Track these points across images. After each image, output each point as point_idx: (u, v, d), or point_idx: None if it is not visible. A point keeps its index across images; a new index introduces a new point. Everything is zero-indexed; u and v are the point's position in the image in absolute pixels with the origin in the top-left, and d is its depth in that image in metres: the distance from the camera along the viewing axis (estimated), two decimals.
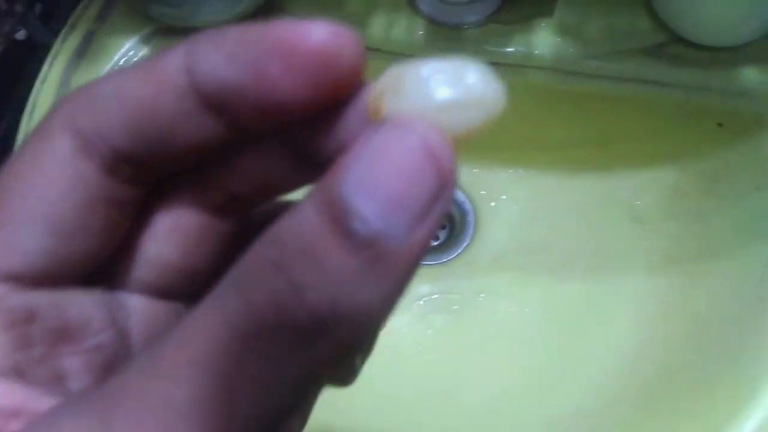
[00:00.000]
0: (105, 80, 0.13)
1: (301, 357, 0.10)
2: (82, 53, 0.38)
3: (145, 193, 0.14)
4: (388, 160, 0.10)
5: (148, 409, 0.10)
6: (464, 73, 0.11)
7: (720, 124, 0.37)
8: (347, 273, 0.10)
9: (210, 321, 0.11)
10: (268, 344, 0.10)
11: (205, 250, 0.14)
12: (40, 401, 0.12)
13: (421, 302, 0.39)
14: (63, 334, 0.13)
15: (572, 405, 0.35)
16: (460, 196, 0.41)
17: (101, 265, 0.14)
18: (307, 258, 0.10)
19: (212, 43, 0.12)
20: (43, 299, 0.13)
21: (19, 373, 0.12)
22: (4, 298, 0.12)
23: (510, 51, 0.37)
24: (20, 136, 0.37)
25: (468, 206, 0.41)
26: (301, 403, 0.11)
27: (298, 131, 0.13)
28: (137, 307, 0.14)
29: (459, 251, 0.40)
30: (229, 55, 0.12)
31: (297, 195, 0.13)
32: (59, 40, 0.39)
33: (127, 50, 0.39)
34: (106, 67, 0.38)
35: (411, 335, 0.38)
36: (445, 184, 0.10)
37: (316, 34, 0.11)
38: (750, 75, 0.35)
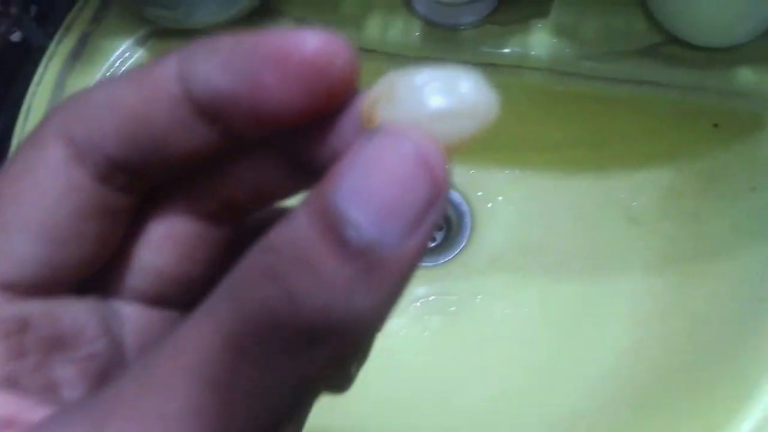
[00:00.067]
0: (98, 88, 0.13)
1: (296, 365, 0.10)
2: (77, 55, 0.38)
3: (139, 200, 0.14)
4: (381, 168, 0.10)
5: (143, 419, 0.10)
6: (457, 82, 0.11)
7: (716, 125, 0.37)
8: (341, 281, 0.10)
9: (204, 329, 0.11)
10: (263, 352, 0.10)
11: (200, 257, 0.14)
12: (34, 411, 0.12)
13: (418, 304, 0.39)
14: (57, 343, 0.13)
15: (570, 405, 0.35)
16: (456, 197, 0.41)
17: (95, 273, 0.13)
18: (301, 266, 0.10)
19: (206, 52, 0.12)
20: (36, 308, 0.13)
21: (12, 383, 0.12)
22: None
23: (506, 52, 0.37)
24: (15, 138, 0.37)
25: (465, 207, 0.41)
26: (297, 410, 0.11)
27: (293, 139, 0.13)
28: (131, 315, 0.14)
29: (456, 253, 0.40)
30: (223, 64, 0.12)
31: (293, 201, 0.13)
32: (54, 42, 0.39)
33: (122, 52, 0.39)
34: (102, 69, 0.38)
35: (408, 337, 0.38)
36: (438, 192, 0.10)
37: (310, 43, 0.11)
38: (746, 75, 0.35)
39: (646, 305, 0.37)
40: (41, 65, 0.38)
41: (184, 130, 0.12)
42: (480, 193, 0.41)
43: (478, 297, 0.39)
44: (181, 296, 0.15)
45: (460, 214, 0.41)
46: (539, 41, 0.37)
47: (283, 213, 0.15)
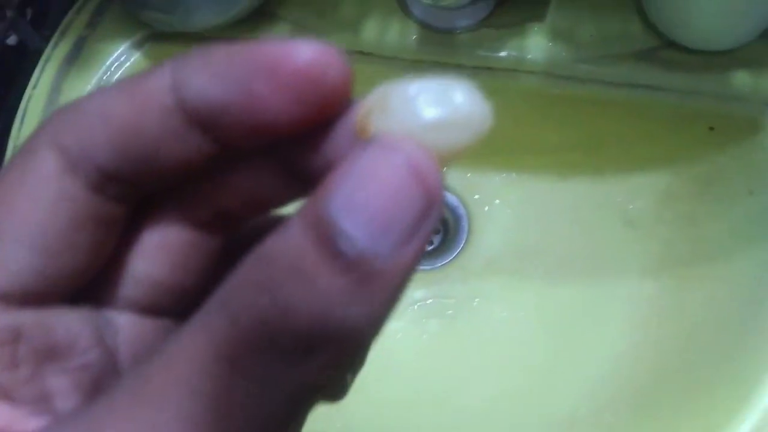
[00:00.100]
0: (91, 98, 0.13)
1: (289, 376, 0.10)
2: (73, 59, 0.38)
3: (132, 210, 0.13)
4: (374, 180, 0.10)
5: (136, 430, 0.10)
6: (451, 93, 0.11)
7: (712, 128, 0.37)
8: (335, 293, 0.10)
9: (197, 340, 0.11)
10: (255, 364, 0.10)
11: (194, 266, 0.14)
12: (27, 421, 0.12)
13: (416, 307, 0.39)
14: (50, 353, 0.13)
15: (568, 408, 0.35)
16: (453, 200, 0.41)
17: (88, 282, 0.13)
18: (294, 277, 0.10)
19: (199, 62, 0.12)
20: (29, 318, 0.12)
21: (5, 394, 0.12)
22: None
23: (502, 55, 0.37)
24: (11, 141, 0.37)
25: (462, 211, 0.41)
26: (292, 420, 0.11)
27: (287, 148, 0.13)
28: (125, 325, 0.14)
29: (453, 256, 0.40)
30: (216, 74, 0.12)
31: (288, 209, 0.13)
32: (50, 45, 0.39)
33: (118, 56, 0.39)
34: (98, 72, 0.38)
35: (406, 340, 0.38)
36: (432, 203, 0.10)
37: (303, 53, 0.11)
38: (742, 79, 0.36)
39: (644, 308, 0.37)
40: (37, 69, 0.38)
41: (177, 140, 0.12)
42: (477, 197, 0.41)
43: (476, 300, 0.39)
44: (175, 305, 0.15)
45: (457, 218, 0.41)
46: (535, 45, 0.37)
47: (279, 221, 0.15)
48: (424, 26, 0.38)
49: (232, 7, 0.36)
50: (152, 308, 0.14)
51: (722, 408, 0.31)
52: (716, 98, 0.36)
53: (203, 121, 0.12)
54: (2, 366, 0.12)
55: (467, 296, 0.39)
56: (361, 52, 0.38)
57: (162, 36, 0.39)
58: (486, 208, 0.41)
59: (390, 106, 0.11)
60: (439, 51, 0.37)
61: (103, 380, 0.13)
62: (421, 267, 0.40)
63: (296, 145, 0.13)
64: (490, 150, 0.40)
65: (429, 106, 0.11)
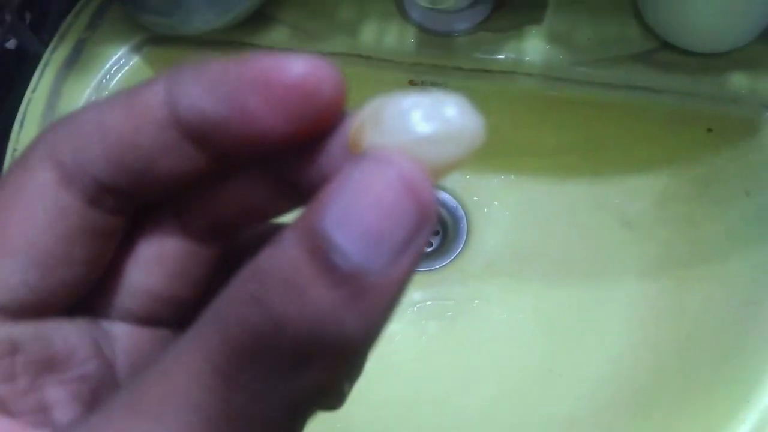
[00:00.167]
0: (86, 111, 0.13)
1: (284, 390, 0.10)
2: (72, 62, 0.38)
3: (128, 221, 0.13)
4: (368, 194, 0.10)
5: None
6: (444, 107, 0.11)
7: (710, 130, 0.37)
8: (329, 306, 0.10)
9: (191, 354, 0.11)
10: (250, 377, 0.10)
11: (191, 276, 0.14)
12: None
13: (415, 309, 0.39)
14: (47, 365, 0.13)
15: (566, 410, 0.35)
16: (452, 202, 0.41)
17: (86, 294, 0.13)
18: (288, 291, 0.10)
19: (193, 76, 0.12)
20: (26, 331, 0.12)
21: (3, 406, 0.12)
22: None
23: (500, 58, 0.37)
24: (10, 145, 0.37)
25: (461, 212, 0.41)
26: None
27: (281, 161, 0.13)
28: (123, 336, 0.14)
29: (452, 258, 0.40)
30: (210, 88, 0.12)
31: (288, 217, 0.13)
32: (50, 49, 0.38)
33: (118, 59, 0.38)
34: (97, 76, 0.38)
35: (405, 342, 0.38)
36: (424, 217, 0.10)
37: (296, 68, 0.11)
38: (739, 80, 0.36)
39: (642, 309, 0.37)
40: (36, 72, 0.38)
41: (172, 153, 0.12)
42: (476, 199, 0.41)
43: (475, 302, 0.39)
44: (173, 315, 0.15)
45: (456, 219, 0.41)
46: (533, 47, 0.37)
47: (277, 229, 0.15)
48: (422, 29, 0.38)
49: (231, 11, 0.36)
50: (150, 318, 0.14)
51: (721, 409, 0.31)
52: (714, 100, 0.36)
53: (197, 134, 0.12)
54: (0, 378, 0.12)
55: (466, 298, 0.39)
56: (360, 55, 0.38)
57: (161, 39, 0.39)
58: (485, 210, 0.41)
59: (383, 120, 0.11)
60: (437, 54, 0.38)
61: (101, 391, 0.13)
62: (421, 269, 0.40)
63: (290, 157, 0.13)
64: (488, 152, 0.40)
65: (422, 121, 0.11)
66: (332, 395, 0.13)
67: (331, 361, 0.10)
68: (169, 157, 0.12)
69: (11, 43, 0.41)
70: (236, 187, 0.14)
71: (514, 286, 0.39)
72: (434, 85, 0.39)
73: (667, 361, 0.35)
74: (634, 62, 0.36)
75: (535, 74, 0.37)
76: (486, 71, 0.37)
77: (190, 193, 0.14)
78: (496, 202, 0.40)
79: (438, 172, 0.11)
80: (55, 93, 0.38)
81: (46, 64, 0.38)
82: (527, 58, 0.37)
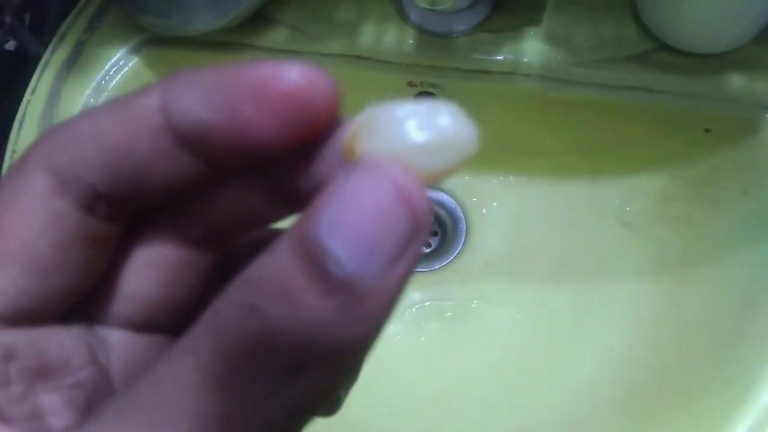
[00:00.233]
0: (81, 118, 0.13)
1: (279, 398, 0.10)
2: (72, 64, 0.38)
3: (123, 228, 0.13)
4: (361, 201, 0.10)
5: None
6: (437, 116, 0.11)
7: (708, 130, 0.37)
8: (322, 314, 0.10)
9: (185, 363, 0.10)
10: (244, 386, 0.10)
11: (186, 282, 0.14)
12: None
13: (414, 309, 0.39)
14: (42, 372, 0.12)
15: (565, 410, 0.35)
16: (451, 203, 0.41)
17: (81, 300, 0.13)
18: (281, 299, 0.10)
19: (187, 84, 0.12)
20: (21, 337, 0.12)
21: None
22: None
23: (499, 59, 0.37)
24: (9, 146, 0.37)
25: (460, 213, 0.41)
26: None
27: (276, 168, 0.13)
28: (118, 342, 0.14)
29: (451, 258, 0.40)
30: (204, 96, 0.12)
31: (285, 223, 0.13)
32: (49, 50, 0.38)
33: (117, 60, 0.38)
34: (97, 77, 0.38)
35: (404, 343, 0.38)
36: (418, 224, 0.10)
37: (290, 76, 0.11)
38: (736, 81, 0.36)
39: (640, 309, 0.37)
40: (36, 74, 0.38)
41: (167, 160, 0.12)
42: (475, 199, 0.41)
43: (474, 302, 0.39)
44: (169, 321, 0.14)
45: (455, 220, 0.41)
46: (531, 49, 0.37)
47: (275, 234, 0.15)
48: (421, 30, 0.38)
49: (230, 12, 0.36)
50: (145, 325, 0.14)
51: (719, 408, 0.31)
52: (711, 101, 0.36)
53: (191, 141, 0.12)
54: None
55: (465, 298, 0.39)
56: (358, 57, 0.38)
57: (160, 40, 0.39)
58: (484, 211, 0.41)
59: (377, 128, 0.11)
60: (435, 55, 0.37)
61: (96, 398, 0.13)
62: (420, 269, 0.40)
63: (285, 164, 0.13)
64: (487, 153, 0.40)
65: (415, 129, 0.11)
66: (328, 402, 0.13)
67: (327, 369, 0.10)
68: (163, 165, 0.12)
69: (10, 45, 0.41)
70: (231, 193, 0.14)
71: (513, 286, 0.39)
72: (433, 86, 0.39)
73: (665, 361, 0.35)
74: (632, 63, 0.36)
75: (534, 75, 0.37)
76: (484, 72, 0.37)
77: (186, 200, 0.14)
78: (495, 203, 0.40)
79: (432, 180, 0.11)
80: (54, 94, 0.38)
81: (45, 66, 0.38)
82: (525, 59, 0.37)
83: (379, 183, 0.10)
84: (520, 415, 0.35)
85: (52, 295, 0.13)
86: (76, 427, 0.12)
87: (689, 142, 0.37)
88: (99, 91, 0.38)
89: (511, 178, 0.40)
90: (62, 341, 0.13)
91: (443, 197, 0.41)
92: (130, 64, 0.38)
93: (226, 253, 0.15)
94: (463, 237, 0.40)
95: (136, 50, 0.39)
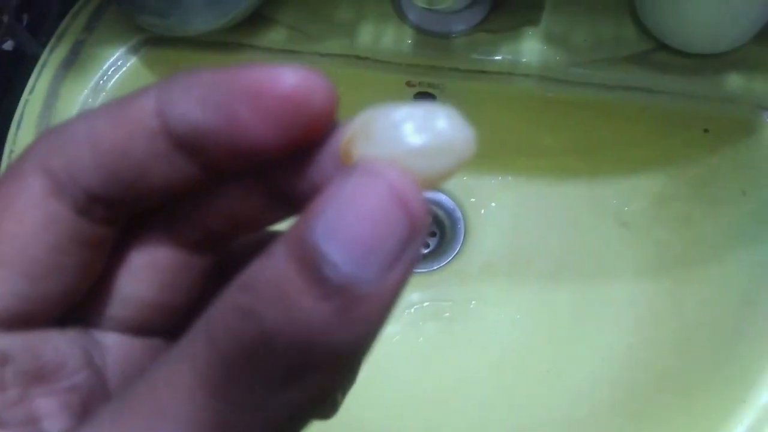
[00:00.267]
0: (77, 121, 0.12)
1: (275, 403, 0.10)
2: (70, 63, 0.38)
3: (119, 231, 0.13)
4: (358, 206, 0.10)
5: None
6: (434, 119, 0.11)
7: (706, 130, 0.37)
8: (319, 319, 0.10)
9: (180, 369, 0.10)
10: (240, 392, 0.10)
11: (183, 285, 0.14)
12: None
13: (413, 310, 0.39)
14: (38, 376, 0.12)
15: (563, 410, 0.35)
16: (450, 203, 0.41)
17: (76, 303, 0.13)
18: (277, 304, 0.10)
19: (183, 87, 0.12)
20: (16, 341, 0.12)
21: None
22: None
23: (497, 59, 0.37)
24: (7, 146, 0.37)
25: (458, 214, 0.41)
26: None
27: (273, 171, 0.13)
28: (114, 345, 0.14)
29: (450, 259, 0.40)
30: (200, 99, 0.12)
31: (284, 225, 0.13)
32: (47, 50, 0.38)
33: (115, 60, 0.38)
34: (95, 77, 0.38)
35: (402, 343, 0.38)
36: (415, 228, 0.10)
37: (287, 79, 0.11)
38: (735, 81, 0.36)
39: (639, 309, 0.37)
40: (34, 74, 0.38)
41: (163, 163, 0.12)
42: (473, 200, 0.41)
43: (472, 303, 0.39)
44: (165, 324, 0.14)
45: (453, 221, 0.41)
46: (530, 49, 0.37)
47: (273, 237, 0.15)
48: (420, 30, 0.37)
49: (229, 12, 0.36)
50: (142, 328, 0.14)
51: (718, 408, 0.31)
52: (710, 101, 0.36)
53: (188, 144, 0.12)
54: None
55: (464, 299, 0.39)
56: (357, 57, 0.38)
57: (159, 40, 0.39)
58: (482, 211, 0.41)
59: (373, 132, 0.11)
60: (434, 55, 0.37)
61: (92, 401, 0.13)
62: (418, 270, 0.40)
63: (282, 168, 0.13)
64: (486, 153, 0.40)
65: (412, 132, 0.11)
66: (325, 405, 0.13)
67: (323, 374, 0.10)
68: (159, 168, 0.12)
69: (8, 45, 0.41)
70: (228, 196, 0.13)
71: (512, 287, 0.39)
72: (431, 86, 0.39)
73: (664, 361, 0.35)
74: (630, 63, 0.36)
75: (532, 75, 0.37)
76: (483, 72, 0.37)
77: (183, 203, 0.14)
78: (493, 204, 0.40)
79: (429, 184, 0.11)
80: (52, 94, 0.37)
81: (43, 66, 0.38)
82: (524, 60, 0.37)
83: (375, 186, 0.10)
84: (519, 416, 0.35)
85: (47, 299, 0.12)
86: (71, 431, 0.12)
87: (688, 143, 0.37)
88: (97, 92, 0.38)
89: (509, 178, 0.40)
90: (58, 345, 0.13)
91: (442, 198, 0.41)
92: (129, 64, 0.38)
93: (225, 256, 0.15)
94: (462, 237, 0.40)
95: (134, 50, 0.39)
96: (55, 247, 0.12)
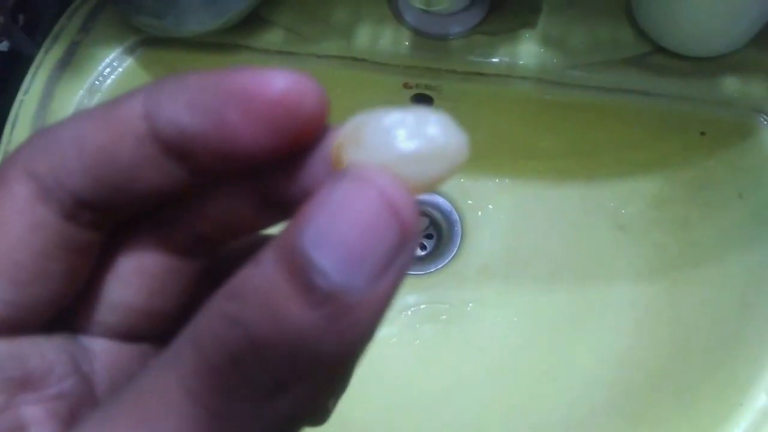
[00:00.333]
0: (64, 125, 0.12)
1: (264, 413, 0.10)
2: (65, 64, 0.38)
3: (107, 236, 0.13)
4: (348, 212, 0.10)
5: None
6: (426, 124, 0.11)
7: (703, 133, 0.37)
8: (308, 327, 0.09)
9: (166, 379, 0.10)
10: (228, 402, 0.10)
11: (172, 291, 0.14)
12: None
13: (409, 312, 0.39)
14: (24, 383, 0.12)
15: (560, 413, 0.35)
16: (447, 205, 0.41)
17: (64, 309, 0.13)
18: (266, 312, 0.10)
19: (171, 90, 0.12)
20: (2, 348, 0.12)
21: None
22: None
23: (494, 61, 0.37)
24: (2, 147, 0.37)
25: (455, 216, 0.40)
26: None
27: (263, 175, 0.13)
28: (102, 351, 0.14)
29: (446, 261, 0.40)
30: (188, 102, 0.11)
31: (275, 229, 0.12)
32: (42, 51, 0.38)
33: (111, 61, 0.38)
34: (90, 78, 0.38)
35: (399, 345, 0.38)
36: (406, 236, 0.10)
37: (277, 83, 0.11)
38: (731, 84, 0.36)
39: (636, 312, 0.37)
40: (29, 74, 0.37)
41: (151, 168, 0.12)
42: (470, 202, 0.41)
43: (469, 305, 0.39)
44: (155, 329, 0.14)
45: (450, 223, 0.41)
46: (527, 51, 0.37)
47: (265, 241, 0.15)
48: (417, 32, 0.37)
49: (225, 13, 0.36)
50: (130, 334, 0.14)
51: (716, 411, 0.30)
52: (706, 104, 0.36)
53: (176, 149, 0.12)
54: None
55: (461, 301, 0.39)
56: (354, 58, 0.38)
57: (155, 41, 0.38)
58: (479, 214, 0.40)
59: (364, 137, 0.11)
60: (431, 57, 0.37)
61: (80, 408, 0.13)
62: (415, 272, 0.40)
63: (272, 172, 0.12)
64: (483, 155, 0.40)
65: (403, 138, 0.11)
66: (315, 413, 0.13)
67: (312, 383, 0.10)
68: (147, 172, 0.12)
69: (4, 45, 0.41)
70: (218, 201, 0.13)
71: (509, 289, 0.38)
72: (429, 88, 0.39)
73: (661, 363, 0.34)
74: (627, 66, 0.36)
75: (530, 77, 0.37)
76: (480, 74, 0.37)
77: (172, 207, 0.13)
78: (490, 206, 0.40)
79: (420, 190, 0.11)
80: (47, 95, 0.37)
81: (38, 66, 0.38)
82: (521, 62, 0.37)
83: (366, 193, 0.10)
84: (516, 418, 0.35)
85: (33, 305, 0.12)
86: None
87: (684, 145, 0.37)
88: (92, 92, 0.38)
89: (506, 180, 0.40)
90: (44, 351, 0.13)
91: (439, 200, 0.41)
92: (124, 65, 0.38)
93: (216, 260, 0.14)
94: (459, 240, 0.40)
95: (130, 51, 0.38)
96: (41, 252, 0.12)
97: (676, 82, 0.36)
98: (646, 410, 0.33)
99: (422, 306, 0.38)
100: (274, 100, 0.11)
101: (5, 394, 0.12)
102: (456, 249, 0.39)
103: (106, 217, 0.13)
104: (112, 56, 0.38)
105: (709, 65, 0.36)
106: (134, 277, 0.13)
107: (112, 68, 0.38)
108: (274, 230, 0.12)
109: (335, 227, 0.10)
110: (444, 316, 0.38)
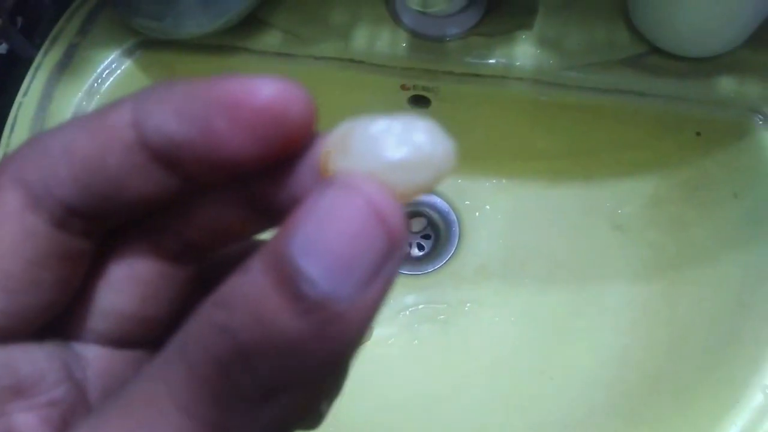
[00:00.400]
0: (53, 134, 0.12)
1: (254, 421, 0.10)
2: (64, 66, 0.38)
3: (98, 243, 0.13)
4: (335, 220, 0.10)
5: None
6: (413, 132, 0.11)
7: (698, 133, 0.37)
8: (296, 336, 0.09)
9: (154, 388, 0.10)
10: (217, 412, 0.10)
11: (163, 297, 0.14)
12: None
13: (407, 312, 0.39)
14: (16, 390, 0.12)
15: (557, 412, 0.35)
16: (444, 206, 0.41)
17: (56, 317, 0.13)
18: (254, 321, 0.10)
19: (159, 98, 0.12)
20: None
21: None
22: None
23: (491, 63, 0.37)
24: (1, 149, 0.37)
25: (452, 216, 0.41)
26: None
27: (252, 182, 0.13)
28: (94, 358, 0.13)
29: (444, 261, 0.40)
30: (176, 110, 0.11)
31: (267, 234, 0.12)
32: (41, 53, 0.38)
33: (109, 63, 0.38)
34: (89, 80, 0.38)
35: (397, 345, 0.38)
36: (393, 244, 0.10)
37: (264, 91, 0.11)
38: (727, 84, 0.36)
39: (633, 312, 0.37)
40: (28, 76, 0.37)
41: (140, 176, 0.12)
42: (467, 202, 0.41)
43: (467, 305, 0.39)
44: (147, 336, 0.14)
45: (448, 224, 0.41)
46: (524, 52, 0.37)
47: (256, 247, 0.15)
48: (414, 34, 0.37)
49: (223, 15, 0.36)
50: (123, 340, 0.14)
51: (712, 410, 0.30)
52: (702, 104, 0.36)
53: (164, 156, 0.12)
54: None
55: (459, 301, 0.39)
56: (352, 60, 0.38)
57: (153, 43, 0.38)
58: (477, 214, 0.40)
59: (351, 145, 0.11)
60: (428, 58, 0.37)
61: (73, 415, 0.13)
62: (413, 272, 0.40)
63: (260, 179, 0.12)
64: (480, 156, 0.40)
65: (391, 146, 0.11)
66: (307, 418, 0.13)
67: (302, 390, 0.10)
68: (136, 180, 0.12)
69: (2, 47, 0.41)
70: (207, 208, 0.13)
71: (506, 289, 0.38)
72: (426, 89, 0.39)
73: (658, 362, 0.34)
74: (623, 67, 0.36)
75: (526, 79, 0.37)
76: (477, 76, 0.37)
77: (162, 214, 0.13)
78: (487, 206, 0.40)
79: (407, 197, 0.11)
80: (46, 97, 0.37)
81: (37, 69, 0.37)
82: (518, 63, 0.37)
83: (353, 201, 0.10)
84: (514, 418, 0.35)
85: (25, 313, 0.12)
86: None
87: (680, 145, 0.37)
88: (91, 94, 0.38)
89: (503, 181, 0.40)
90: (36, 359, 0.12)
91: (436, 200, 0.41)
92: (123, 67, 0.38)
93: (208, 266, 0.14)
94: (456, 240, 0.40)
95: (128, 53, 0.38)
96: (32, 261, 0.12)
97: (672, 83, 0.36)
98: (644, 409, 0.33)
99: (420, 306, 0.38)
100: (260, 107, 0.11)
101: None
102: (454, 249, 0.40)
103: (96, 225, 0.13)
104: (110, 58, 0.38)
105: (705, 66, 0.36)
106: (126, 284, 0.13)
107: (110, 70, 0.38)
108: (266, 236, 0.12)
109: (323, 235, 0.10)
110: (442, 317, 0.38)
